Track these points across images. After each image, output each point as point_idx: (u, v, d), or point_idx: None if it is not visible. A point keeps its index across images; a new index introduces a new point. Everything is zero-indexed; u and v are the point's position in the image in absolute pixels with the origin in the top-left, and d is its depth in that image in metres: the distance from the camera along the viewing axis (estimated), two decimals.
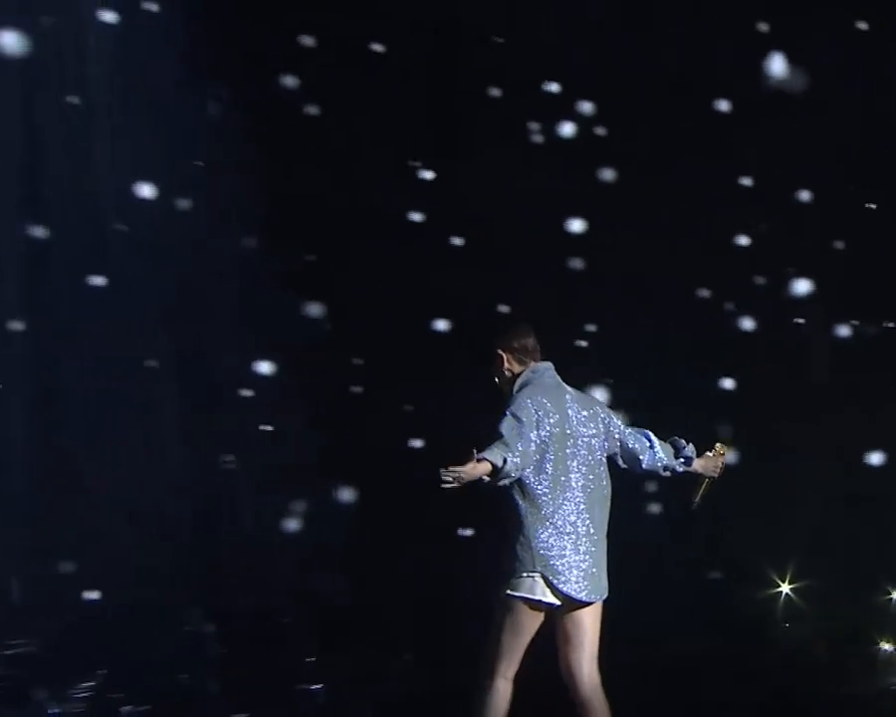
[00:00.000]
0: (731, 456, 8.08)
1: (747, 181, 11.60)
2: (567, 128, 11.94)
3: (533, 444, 7.24)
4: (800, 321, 11.64)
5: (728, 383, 11.73)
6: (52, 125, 12.04)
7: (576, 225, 11.93)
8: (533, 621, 7.32)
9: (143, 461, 11.91)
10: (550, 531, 7.28)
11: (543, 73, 11.79)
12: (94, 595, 11.64)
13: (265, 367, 11.85)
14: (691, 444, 7.81)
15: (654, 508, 11.53)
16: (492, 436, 7.18)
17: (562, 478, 7.32)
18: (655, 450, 7.66)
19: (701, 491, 7.88)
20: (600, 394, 10.92)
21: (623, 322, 11.71)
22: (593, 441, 7.46)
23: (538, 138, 12.01)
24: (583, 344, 11.83)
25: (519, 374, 7.52)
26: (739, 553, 11.64)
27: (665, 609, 10.98)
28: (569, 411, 7.43)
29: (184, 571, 11.46)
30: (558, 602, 7.32)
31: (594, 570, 7.37)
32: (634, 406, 10.63)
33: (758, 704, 9.98)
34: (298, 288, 11.85)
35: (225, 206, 11.96)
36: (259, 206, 11.89)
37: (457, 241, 11.99)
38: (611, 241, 11.78)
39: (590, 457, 7.43)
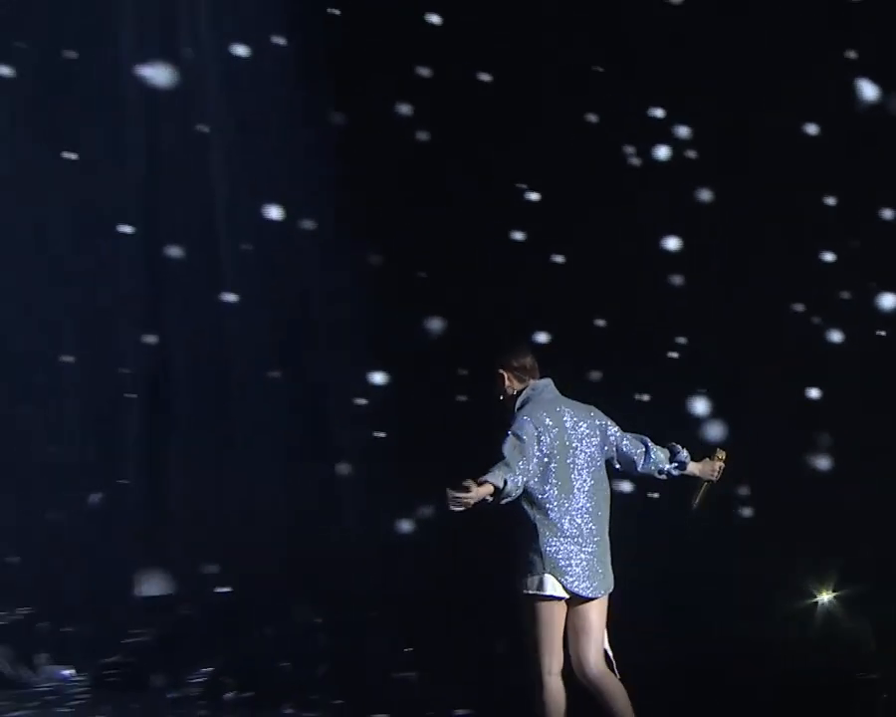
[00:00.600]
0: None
1: (831, 201, 11.75)
2: (663, 152, 12.23)
3: (535, 459, 7.66)
4: (883, 333, 11.69)
5: (814, 393, 11.83)
6: (185, 151, 12.83)
7: (672, 243, 12.19)
8: (557, 614, 7.72)
9: (264, 465, 12.49)
10: (556, 535, 7.70)
11: (638, 99, 12.08)
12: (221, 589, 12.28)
13: (378, 378, 12.34)
14: (685, 450, 8.11)
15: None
16: (495, 457, 7.60)
17: (566, 485, 7.74)
18: (651, 454, 8.00)
19: (700, 494, 8.18)
20: (701, 405, 11.40)
21: (717, 335, 11.91)
22: (592, 449, 7.87)
23: (634, 161, 12.35)
24: (675, 355, 12.06)
25: (520, 392, 7.91)
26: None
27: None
28: (567, 424, 7.83)
29: (296, 569, 11.91)
30: (565, 595, 7.71)
31: (599, 568, 7.80)
32: (723, 415, 11.04)
33: None
34: (411, 302, 12.29)
35: (344, 226, 12.50)
36: (375, 226, 12.40)
37: (558, 258, 12.36)
38: (705, 258, 12.03)
39: (590, 464, 7.84)
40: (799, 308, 11.75)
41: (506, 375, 7.98)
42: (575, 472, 7.79)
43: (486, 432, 11.62)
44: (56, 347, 12.94)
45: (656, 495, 10.19)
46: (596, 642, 7.82)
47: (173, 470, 12.69)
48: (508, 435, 7.67)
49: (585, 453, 7.85)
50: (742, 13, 11.66)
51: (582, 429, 7.88)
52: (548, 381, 7.99)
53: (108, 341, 12.87)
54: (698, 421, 11.63)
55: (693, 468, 8.12)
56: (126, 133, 12.88)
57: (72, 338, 12.96)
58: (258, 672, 11.03)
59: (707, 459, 8.19)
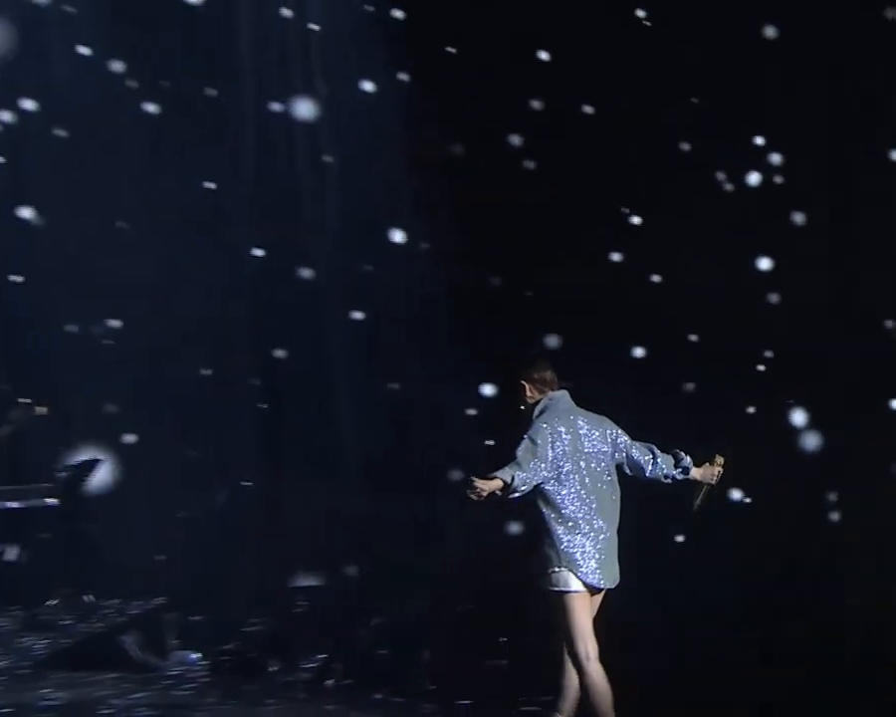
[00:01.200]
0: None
1: None
2: (754, 178, 12.66)
3: (547, 460, 8.18)
4: None
5: None
6: (314, 179, 13.61)
7: (764, 263, 12.60)
8: (582, 604, 8.20)
9: (381, 471, 13.15)
10: (570, 532, 8.19)
11: (732, 127, 12.47)
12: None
13: (488, 390, 12.91)
14: (688, 457, 8.58)
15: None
16: (509, 457, 8.16)
17: (579, 486, 8.24)
18: (658, 461, 8.49)
19: (700, 496, 8.66)
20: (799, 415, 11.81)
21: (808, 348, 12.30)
22: (603, 454, 8.37)
23: (728, 187, 12.79)
24: (762, 368, 12.48)
25: (538, 402, 8.45)
26: None
27: None
28: (581, 431, 8.35)
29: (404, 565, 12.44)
30: (583, 589, 8.21)
31: (609, 562, 8.29)
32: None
33: None
34: (518, 318, 12.76)
35: (462, 247, 13.08)
36: (486, 247, 12.98)
37: (655, 278, 12.89)
38: (794, 278, 12.42)
39: (601, 468, 8.35)
40: (889, 324, 12.09)
41: (527, 386, 8.50)
42: (588, 475, 8.28)
43: None
44: (196, 360, 13.77)
45: None
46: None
47: (290, 474, 13.42)
48: (524, 438, 8.21)
49: (597, 458, 8.35)
50: (829, 44, 12.00)
51: (595, 437, 8.38)
52: (564, 393, 8.52)
53: (240, 354, 13.66)
54: (793, 431, 12.13)
55: (695, 473, 8.58)
56: (261, 163, 13.64)
57: (212, 351, 13.75)
58: (361, 660, 11.43)
59: (707, 464, 8.66)
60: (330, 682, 11.16)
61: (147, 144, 13.72)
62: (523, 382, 8.52)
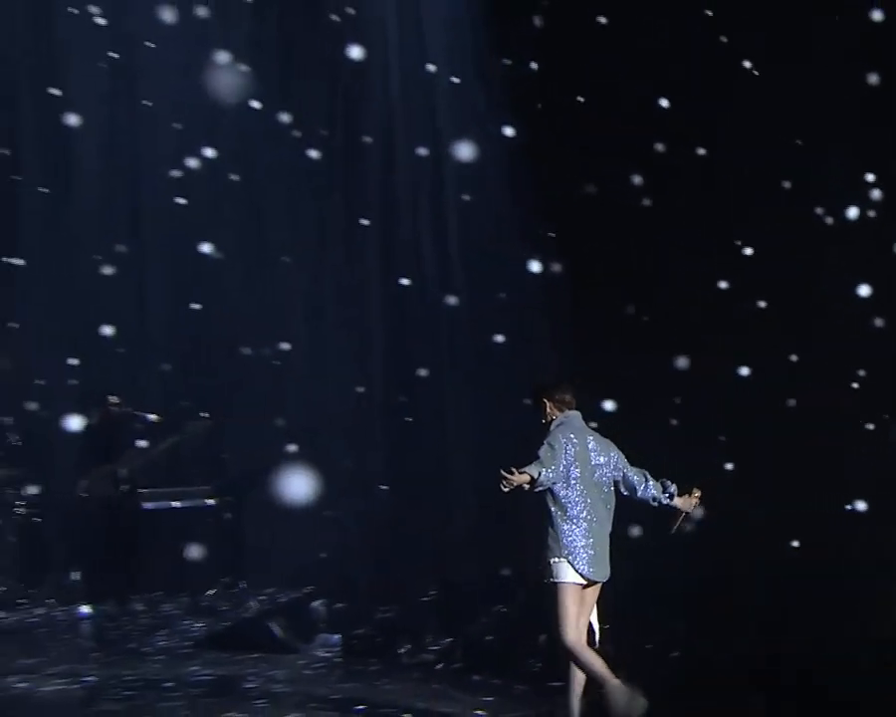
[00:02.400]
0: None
1: None
2: (853, 212, 13.12)
3: (561, 464, 9.00)
4: None
5: None
6: (459, 216, 14.45)
7: (864, 290, 13.06)
8: (573, 594, 8.99)
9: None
10: (572, 527, 9.00)
11: (831, 166, 12.93)
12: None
13: (609, 405, 13.49)
14: (675, 485, 9.30)
15: None
16: (532, 458, 8.95)
17: (582, 491, 9.04)
18: (648, 485, 9.25)
19: (679, 521, 9.39)
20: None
21: None
22: (604, 468, 9.17)
23: (828, 220, 13.28)
24: (856, 386, 12.94)
25: (556, 418, 9.27)
26: None
27: None
28: (589, 446, 9.16)
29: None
30: (581, 581, 9.01)
31: (602, 558, 9.07)
32: None
33: None
34: (632, 340, 13.42)
35: (588, 276, 13.76)
36: (608, 276, 13.62)
37: (761, 304, 13.43)
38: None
39: (601, 481, 9.15)
40: None
41: (549, 405, 9.30)
42: (591, 483, 9.09)
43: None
44: (352, 378, 14.69)
45: None
46: (586, 617, 9.11)
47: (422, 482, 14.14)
48: (544, 444, 9.04)
49: (599, 471, 9.14)
50: None
51: (600, 454, 9.19)
52: (577, 413, 9.33)
53: (390, 373, 14.60)
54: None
55: (677, 501, 9.33)
56: (409, 201, 14.53)
57: (365, 370, 14.69)
58: (473, 647, 11.90)
59: (686, 496, 9.37)
60: (440, 665, 11.73)
61: (309, 186, 14.70)
62: (545, 401, 9.32)
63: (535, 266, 14.17)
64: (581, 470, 9.07)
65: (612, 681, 8.89)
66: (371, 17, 14.58)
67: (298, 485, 13.77)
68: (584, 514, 9.04)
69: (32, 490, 14.27)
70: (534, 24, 14.24)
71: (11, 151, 14.91)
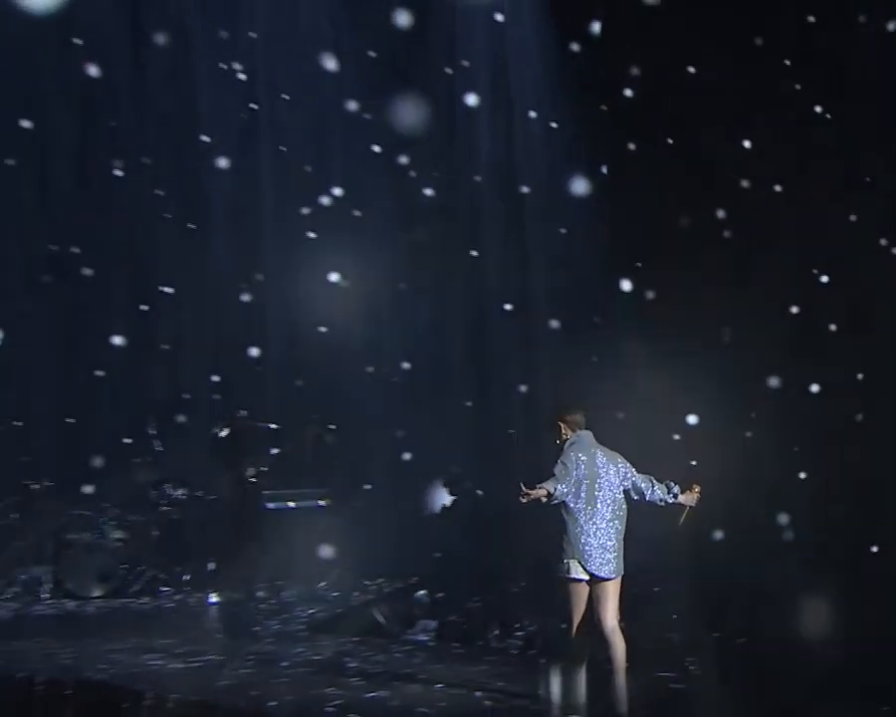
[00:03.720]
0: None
1: None
2: None
3: (573, 480, 9.80)
4: None
5: None
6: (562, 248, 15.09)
7: None
8: (580, 590, 9.86)
9: None
10: (582, 533, 9.82)
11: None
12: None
13: (692, 419, 14.08)
14: (678, 486, 10.03)
15: None
16: (548, 475, 9.80)
17: (592, 501, 9.84)
18: (654, 488, 10.01)
19: (684, 515, 10.09)
20: None
21: None
22: (613, 479, 9.93)
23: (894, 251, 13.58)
24: None
25: (569, 438, 10.01)
26: None
27: None
28: (598, 462, 9.92)
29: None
30: (586, 577, 9.82)
31: (612, 557, 9.84)
32: None
33: None
34: (712, 360, 13.92)
35: (677, 298, 14.30)
36: (692, 299, 14.10)
37: (832, 327, 13.79)
38: None
39: (610, 489, 9.92)
40: None
41: (562, 426, 10.05)
42: (599, 493, 9.86)
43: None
44: (461, 393, 15.43)
45: None
46: (612, 610, 9.87)
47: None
48: (559, 463, 9.85)
49: (608, 482, 9.90)
50: None
51: (609, 467, 9.94)
52: (588, 432, 10.06)
53: (495, 389, 15.28)
54: None
55: (681, 498, 10.05)
56: (517, 237, 15.26)
57: (475, 385, 15.40)
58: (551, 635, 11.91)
59: (688, 492, 10.09)
60: (514, 651, 12.27)
61: (424, 221, 15.51)
62: (560, 423, 10.08)
63: (626, 285, 14.71)
64: (590, 483, 9.84)
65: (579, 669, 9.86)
66: (480, 68, 15.30)
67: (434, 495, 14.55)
68: (593, 521, 9.82)
69: (172, 491, 15.25)
70: (629, 72, 14.82)
71: (165, 192, 15.92)
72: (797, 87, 13.95)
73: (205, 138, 15.89)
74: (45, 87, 15.76)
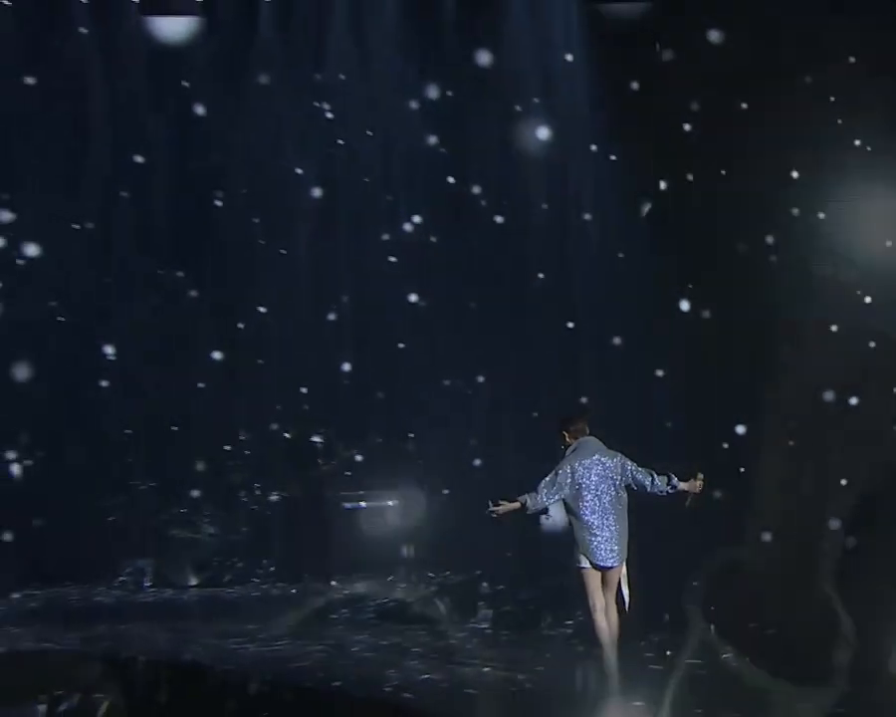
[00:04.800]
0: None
1: None
2: None
3: (566, 487, 10.53)
4: None
5: None
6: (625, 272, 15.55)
7: None
8: (593, 575, 10.66)
9: None
10: (585, 530, 10.62)
11: None
12: None
13: (740, 429, 14.29)
14: (675, 477, 10.71)
15: None
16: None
17: (594, 501, 10.63)
18: (655, 481, 10.70)
19: (689, 500, 10.78)
20: None
21: None
22: (612, 477, 10.67)
23: None
24: None
25: (571, 444, 10.71)
26: None
27: None
28: (598, 465, 10.63)
29: None
30: (589, 566, 10.55)
31: (614, 548, 10.63)
32: None
33: None
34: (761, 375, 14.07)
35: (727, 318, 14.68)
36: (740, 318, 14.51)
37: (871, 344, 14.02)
38: None
39: (611, 487, 10.64)
40: None
41: (566, 435, 10.86)
42: (600, 492, 10.60)
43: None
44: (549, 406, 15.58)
45: None
46: (612, 593, 10.63)
47: None
48: (550, 474, 10.67)
49: (608, 480, 10.64)
50: None
51: (608, 465, 10.66)
52: (591, 438, 10.80)
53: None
54: None
55: (683, 486, 10.71)
56: (572, 257, 15.84)
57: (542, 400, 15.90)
58: None
59: (692, 480, 10.77)
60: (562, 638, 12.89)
61: (494, 245, 16.11)
62: (564, 432, 10.88)
63: (685, 305, 15.05)
64: (590, 485, 10.59)
65: (608, 652, 10.43)
66: (548, 104, 15.89)
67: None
68: (594, 518, 10.60)
69: (259, 491, 16.04)
70: (687, 106, 15.27)
71: (259, 219, 16.72)
72: (839, 122, 14.23)
73: (298, 171, 16.56)
74: (154, 124, 16.61)
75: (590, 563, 10.62)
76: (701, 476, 10.75)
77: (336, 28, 16.24)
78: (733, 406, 14.09)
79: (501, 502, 10.57)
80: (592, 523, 10.58)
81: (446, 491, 16.05)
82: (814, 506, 13.98)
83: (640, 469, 10.71)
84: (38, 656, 11.92)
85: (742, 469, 14.11)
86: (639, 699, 10.36)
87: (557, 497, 10.54)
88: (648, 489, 10.68)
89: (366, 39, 16.20)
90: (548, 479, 10.61)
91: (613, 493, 10.62)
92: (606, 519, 10.60)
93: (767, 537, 13.61)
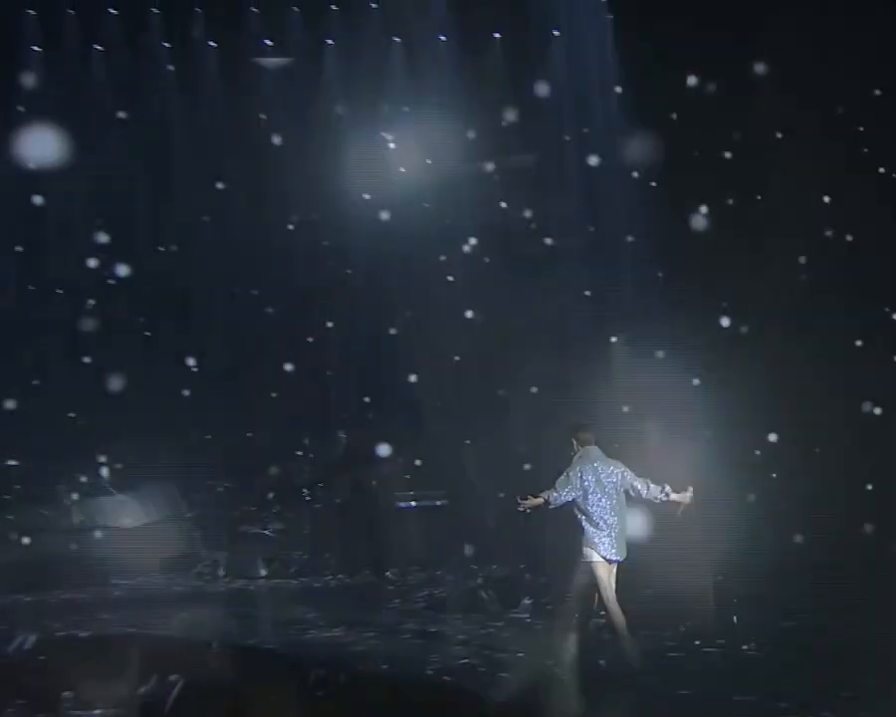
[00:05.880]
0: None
1: None
2: None
3: (577, 487, 11.09)
4: None
5: None
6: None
7: None
8: (603, 568, 11.12)
9: None
10: (593, 527, 11.14)
11: None
12: None
13: (772, 437, 14.73)
14: (669, 486, 11.16)
15: None
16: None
17: (598, 502, 11.16)
18: (650, 489, 11.24)
19: (681, 509, 11.19)
20: None
21: None
22: (614, 482, 11.23)
23: None
24: None
25: (578, 451, 11.28)
26: None
27: None
28: (600, 470, 11.21)
29: None
30: (598, 559, 11.03)
31: (617, 544, 11.15)
32: None
33: None
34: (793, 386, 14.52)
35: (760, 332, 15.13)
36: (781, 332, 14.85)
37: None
38: None
39: (613, 490, 11.21)
40: None
41: (574, 443, 11.39)
42: (604, 494, 11.16)
43: None
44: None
45: None
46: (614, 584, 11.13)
47: None
48: (563, 474, 11.21)
49: (610, 484, 11.20)
50: None
51: (610, 471, 11.23)
52: (594, 447, 11.33)
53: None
54: None
55: (675, 496, 11.21)
56: (615, 278, 16.27)
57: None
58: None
59: (682, 492, 11.23)
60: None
61: (544, 266, 16.57)
62: (573, 440, 11.45)
63: (725, 322, 15.42)
64: (596, 487, 11.17)
65: (623, 634, 10.91)
66: (596, 134, 16.36)
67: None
68: (602, 516, 11.15)
69: (321, 492, 16.68)
70: (729, 136, 15.64)
71: (328, 242, 17.36)
72: (865, 150, 14.54)
73: (366, 197, 17.18)
74: (233, 154, 17.33)
75: (598, 556, 11.12)
76: (691, 489, 11.25)
77: (396, 65, 16.84)
78: (763, 414, 14.47)
79: (528, 496, 11.06)
80: (601, 521, 11.13)
81: (501, 494, 16.38)
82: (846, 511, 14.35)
83: (637, 477, 11.32)
84: (124, 640, 12.51)
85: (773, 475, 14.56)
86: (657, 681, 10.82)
87: (572, 494, 11.13)
88: (644, 495, 11.28)
89: (424, 74, 16.74)
90: (562, 478, 11.23)
91: (615, 496, 11.22)
92: (613, 518, 11.15)
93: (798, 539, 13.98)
